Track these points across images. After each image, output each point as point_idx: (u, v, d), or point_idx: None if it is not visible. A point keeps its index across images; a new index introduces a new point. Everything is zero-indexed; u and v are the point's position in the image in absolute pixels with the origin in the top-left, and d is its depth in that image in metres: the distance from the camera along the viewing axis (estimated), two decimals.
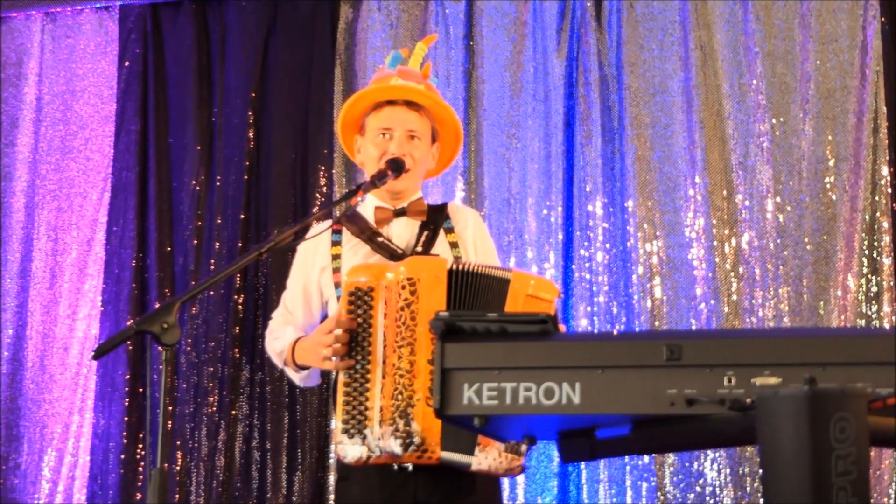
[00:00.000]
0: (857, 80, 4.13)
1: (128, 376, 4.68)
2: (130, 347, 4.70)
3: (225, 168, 4.75)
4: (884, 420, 1.65)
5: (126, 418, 4.65)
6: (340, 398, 2.57)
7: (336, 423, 2.60)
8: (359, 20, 4.70)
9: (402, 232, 2.92)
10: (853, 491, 1.53)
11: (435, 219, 2.93)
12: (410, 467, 2.63)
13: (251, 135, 4.76)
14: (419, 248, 2.84)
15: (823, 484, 1.53)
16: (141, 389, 4.69)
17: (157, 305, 4.68)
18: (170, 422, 4.65)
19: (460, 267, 2.58)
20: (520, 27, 4.49)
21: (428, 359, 2.48)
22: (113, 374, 4.69)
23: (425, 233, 2.89)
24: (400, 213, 2.92)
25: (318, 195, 4.64)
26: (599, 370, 1.76)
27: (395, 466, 2.63)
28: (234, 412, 4.58)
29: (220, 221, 4.72)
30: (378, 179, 2.84)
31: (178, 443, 4.59)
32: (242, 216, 4.71)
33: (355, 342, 2.58)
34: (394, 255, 2.83)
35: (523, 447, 2.67)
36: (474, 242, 2.92)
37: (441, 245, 2.87)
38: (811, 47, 4.20)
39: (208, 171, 4.79)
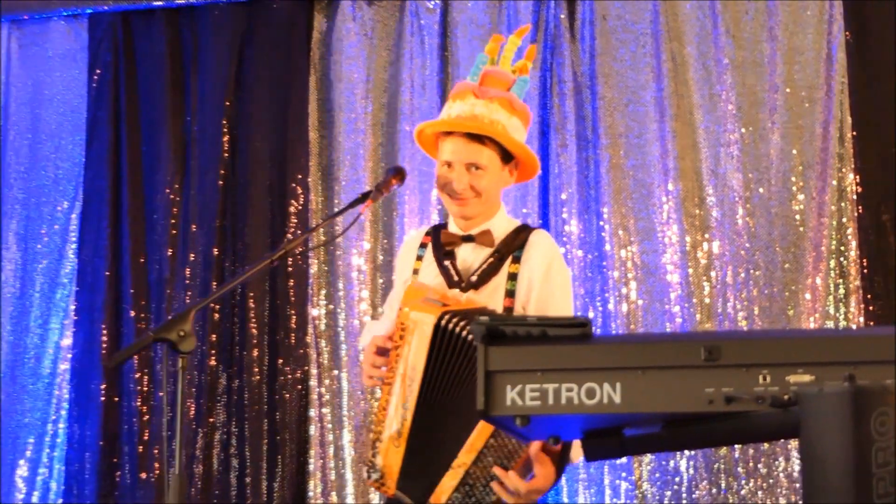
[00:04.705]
0: (822, 92, 4.28)
1: (104, 386, 4.67)
2: (104, 352, 4.69)
3: (200, 176, 4.76)
4: None
5: (102, 428, 4.63)
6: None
7: None
8: (333, 30, 4.75)
9: (469, 256, 2.88)
10: (892, 480, 1.63)
11: (508, 245, 2.87)
12: None
13: (226, 143, 4.78)
14: (474, 279, 2.83)
15: (865, 475, 1.61)
16: (117, 399, 4.69)
17: (131, 315, 4.69)
18: (147, 430, 4.66)
19: (449, 326, 2.61)
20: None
21: (402, 402, 2.66)
22: (88, 384, 4.68)
23: (490, 261, 2.85)
24: (468, 238, 2.89)
25: (294, 203, 4.67)
26: (639, 371, 1.83)
27: None
28: (211, 419, 4.60)
29: (195, 230, 4.73)
30: (383, 186, 2.92)
31: (156, 451, 4.60)
32: (218, 224, 4.72)
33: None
34: (450, 281, 2.85)
35: None
36: (529, 283, 2.83)
37: (502, 275, 2.84)
38: (779, 59, 4.34)
39: (182, 180, 4.80)
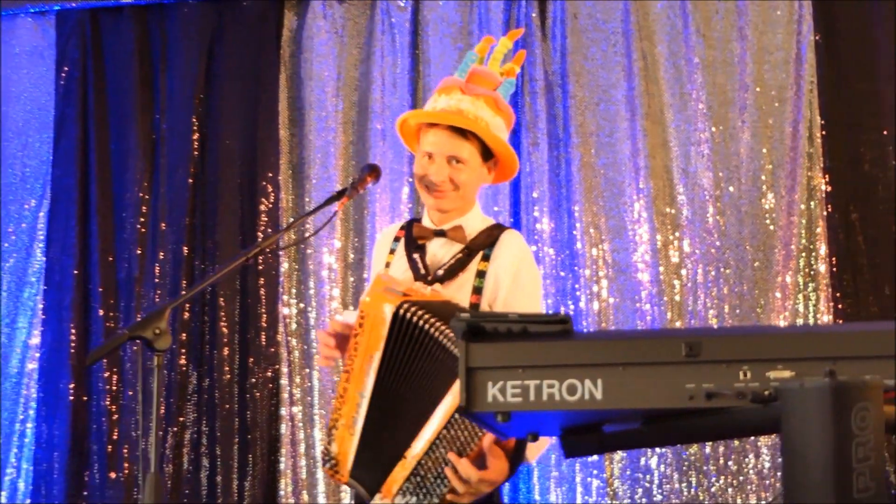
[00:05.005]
0: (792, 91, 4.32)
1: (72, 385, 4.63)
2: (73, 351, 4.66)
3: (169, 174, 4.73)
4: (889, 409, 1.78)
5: (71, 427, 4.59)
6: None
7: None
8: (304, 28, 4.73)
9: (438, 251, 2.87)
10: (871, 475, 1.64)
11: (479, 243, 2.86)
12: None
13: (196, 141, 4.75)
14: (440, 272, 2.81)
15: (845, 469, 1.63)
16: (85, 398, 4.65)
17: (100, 313, 4.65)
18: (116, 430, 4.62)
19: (407, 315, 2.60)
20: (465, 36, 4.58)
21: (359, 390, 2.67)
22: (56, 383, 4.64)
23: (458, 256, 2.84)
24: (440, 233, 2.87)
25: (264, 201, 4.65)
26: (620, 367, 1.84)
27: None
28: (181, 418, 4.57)
29: (164, 228, 4.70)
30: (358, 183, 2.92)
31: (126, 451, 4.56)
32: (187, 222, 4.69)
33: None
34: (417, 274, 2.84)
35: None
36: (496, 282, 2.80)
37: (470, 272, 2.82)
38: (749, 59, 4.38)
39: (151, 178, 4.77)
